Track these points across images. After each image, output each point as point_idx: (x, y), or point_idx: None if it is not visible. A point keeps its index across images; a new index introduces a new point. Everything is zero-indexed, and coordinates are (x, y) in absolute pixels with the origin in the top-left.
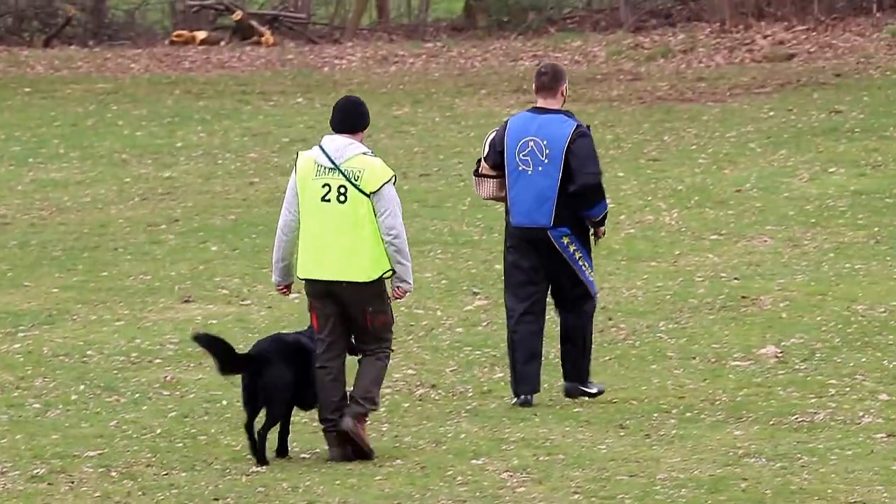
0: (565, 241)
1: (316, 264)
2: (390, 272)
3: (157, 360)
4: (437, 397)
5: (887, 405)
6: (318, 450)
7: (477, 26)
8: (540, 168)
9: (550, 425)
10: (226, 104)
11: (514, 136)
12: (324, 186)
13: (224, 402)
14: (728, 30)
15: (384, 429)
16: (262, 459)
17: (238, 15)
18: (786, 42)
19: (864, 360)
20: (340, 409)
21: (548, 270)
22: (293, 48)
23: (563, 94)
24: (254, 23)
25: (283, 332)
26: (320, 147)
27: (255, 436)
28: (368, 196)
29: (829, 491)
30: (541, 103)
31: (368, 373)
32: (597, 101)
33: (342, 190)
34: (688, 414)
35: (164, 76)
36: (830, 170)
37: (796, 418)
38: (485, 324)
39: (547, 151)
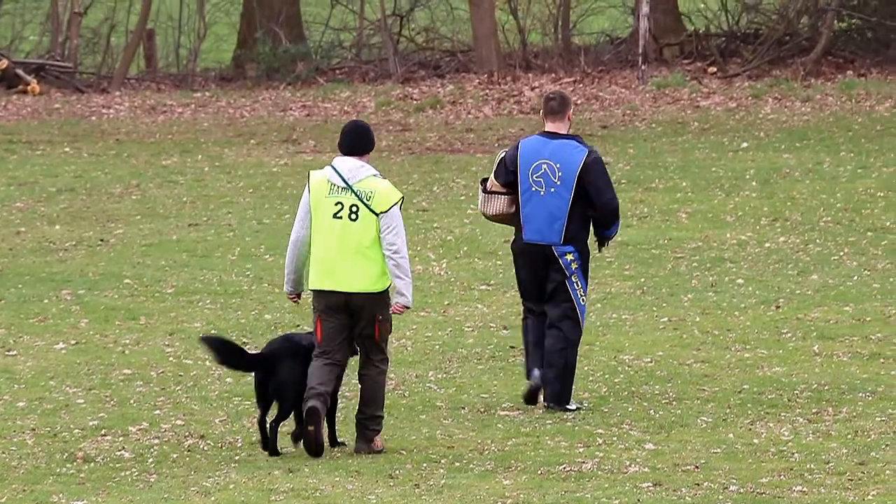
0: (569, 259)
1: (329, 277)
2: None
3: None
4: (206, 448)
5: (653, 454)
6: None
7: (246, 76)
8: (552, 190)
9: (320, 475)
10: None
11: (527, 158)
12: (336, 204)
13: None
14: (496, 81)
15: (152, 480)
16: (274, 451)
17: (3, 63)
18: None
19: (630, 409)
20: (319, 396)
21: (547, 283)
22: (60, 97)
23: (569, 119)
24: (19, 71)
25: (294, 332)
26: (333, 168)
27: (267, 430)
28: (378, 215)
29: None
30: (550, 128)
31: (370, 391)
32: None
33: (354, 208)
34: (457, 463)
35: None
36: None
37: (564, 467)
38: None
39: (560, 174)
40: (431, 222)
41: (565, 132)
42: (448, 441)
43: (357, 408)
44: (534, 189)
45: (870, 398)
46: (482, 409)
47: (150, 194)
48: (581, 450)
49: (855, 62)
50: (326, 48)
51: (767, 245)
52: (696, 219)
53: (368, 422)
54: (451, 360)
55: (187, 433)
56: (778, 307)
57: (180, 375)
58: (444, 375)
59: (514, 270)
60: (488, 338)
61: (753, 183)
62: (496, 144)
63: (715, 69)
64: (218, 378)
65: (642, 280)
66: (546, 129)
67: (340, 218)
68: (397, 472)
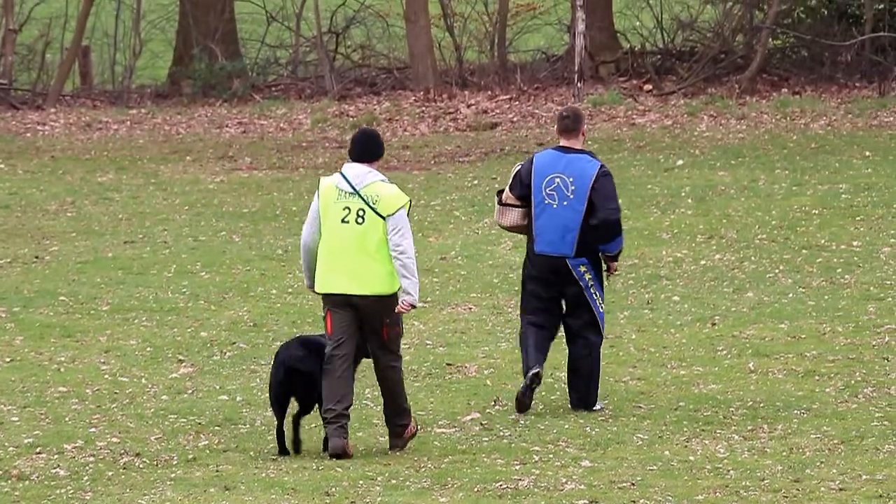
0: (582, 270)
1: (337, 279)
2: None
3: None
4: (141, 465)
5: (589, 472)
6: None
7: (182, 93)
8: (565, 203)
9: (256, 493)
10: None
11: (541, 171)
12: (344, 209)
13: None
14: (432, 99)
15: (87, 497)
16: (296, 445)
17: None
18: (489, 111)
19: (566, 426)
20: (342, 401)
21: (563, 297)
22: None
23: (583, 134)
24: None
25: (307, 333)
26: (341, 174)
27: (284, 429)
28: (384, 218)
29: None
30: (564, 143)
31: (395, 392)
32: (302, 169)
33: (361, 213)
34: (393, 481)
35: None
36: None
37: (501, 485)
38: (190, 391)
39: (573, 188)
40: None
41: (579, 147)
42: (384, 458)
43: (383, 407)
44: (547, 202)
45: (805, 415)
46: (418, 426)
47: (85, 211)
48: (517, 467)
49: (790, 80)
50: (262, 65)
51: (703, 262)
52: (631, 236)
53: (395, 417)
54: None
55: (123, 451)
56: (714, 324)
57: (116, 393)
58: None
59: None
60: (425, 355)
61: (689, 200)
62: (432, 161)
63: (650, 87)
64: (154, 395)
65: None
66: (560, 144)
67: (348, 222)
68: (333, 489)
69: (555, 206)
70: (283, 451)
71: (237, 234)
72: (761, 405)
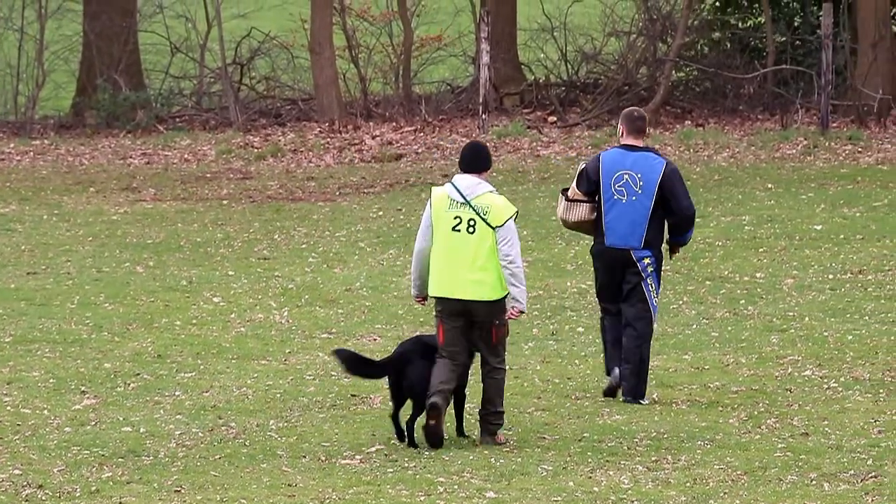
0: (646, 262)
1: (449, 285)
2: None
3: None
4: (44, 497)
5: (494, 502)
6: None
7: (85, 124)
8: (633, 198)
9: None
10: None
11: (609, 169)
12: (455, 218)
13: None
14: (337, 130)
15: None
16: (411, 443)
17: None
18: (394, 142)
19: (471, 457)
20: (441, 392)
21: (624, 284)
22: None
23: (646, 135)
24: None
25: (423, 333)
26: (452, 184)
27: (401, 424)
28: (494, 229)
29: None
30: (630, 142)
31: (491, 390)
32: (207, 200)
33: (472, 222)
34: None
35: None
36: None
37: None
38: (93, 423)
39: (641, 184)
40: (273, 271)
41: (642, 145)
42: (289, 490)
43: (480, 405)
44: (616, 197)
45: (708, 446)
46: (323, 458)
47: None
48: (422, 498)
49: (693, 112)
50: (167, 96)
51: None
52: (536, 267)
53: (490, 417)
54: (292, 408)
55: (25, 483)
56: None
57: (18, 425)
58: (286, 424)
59: (592, 272)
60: (329, 386)
61: None
62: (337, 193)
63: (555, 118)
64: (56, 427)
65: None
66: (625, 143)
67: (459, 231)
68: None
69: (624, 201)
70: (399, 434)
71: (141, 265)
72: (665, 436)
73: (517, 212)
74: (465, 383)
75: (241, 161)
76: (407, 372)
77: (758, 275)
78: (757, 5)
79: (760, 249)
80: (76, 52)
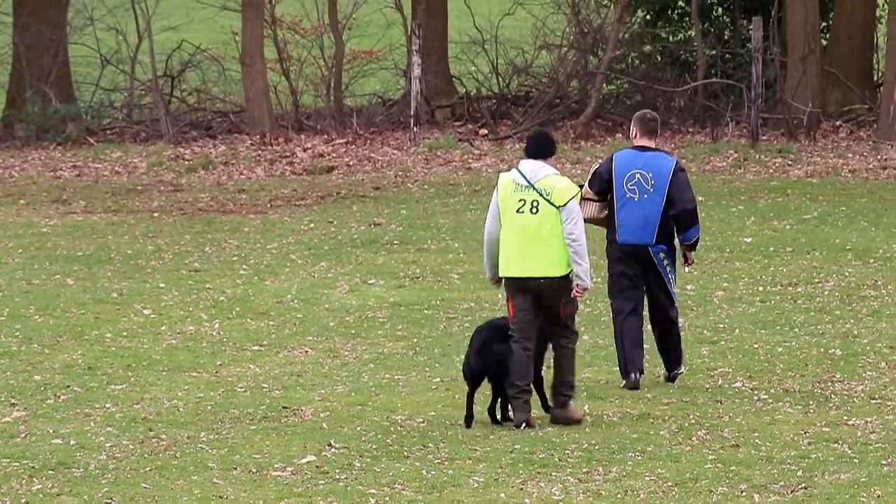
0: (661, 256)
1: (517, 264)
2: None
3: None
4: None
5: None
6: None
7: (15, 136)
8: (646, 196)
9: None
10: None
11: (622, 169)
12: (519, 200)
13: None
14: (268, 142)
15: None
16: (494, 419)
17: None
18: (325, 155)
19: (403, 469)
20: (524, 377)
21: (644, 280)
22: None
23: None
24: None
25: (496, 318)
26: (517, 170)
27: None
28: (557, 208)
29: None
30: (643, 143)
31: (564, 364)
32: (137, 212)
33: (535, 203)
34: None
35: None
36: (370, 281)
37: None
38: (23, 435)
39: (652, 182)
40: (204, 283)
41: (654, 147)
42: (220, 502)
43: (553, 375)
44: (628, 196)
45: (639, 458)
46: (254, 470)
47: None
48: None
49: (624, 125)
50: (97, 108)
51: None
52: (468, 280)
53: (562, 387)
54: (223, 420)
55: None
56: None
57: None
58: (217, 436)
59: (608, 268)
60: (261, 398)
61: None
62: (269, 205)
63: (486, 131)
64: None
65: (415, 340)
66: (637, 144)
67: (523, 213)
68: None
69: (636, 199)
70: (469, 417)
71: (71, 277)
72: (596, 447)
73: (578, 191)
74: (542, 363)
75: (172, 173)
76: (485, 355)
77: (688, 287)
78: (687, 19)
79: None
80: (6, 65)
